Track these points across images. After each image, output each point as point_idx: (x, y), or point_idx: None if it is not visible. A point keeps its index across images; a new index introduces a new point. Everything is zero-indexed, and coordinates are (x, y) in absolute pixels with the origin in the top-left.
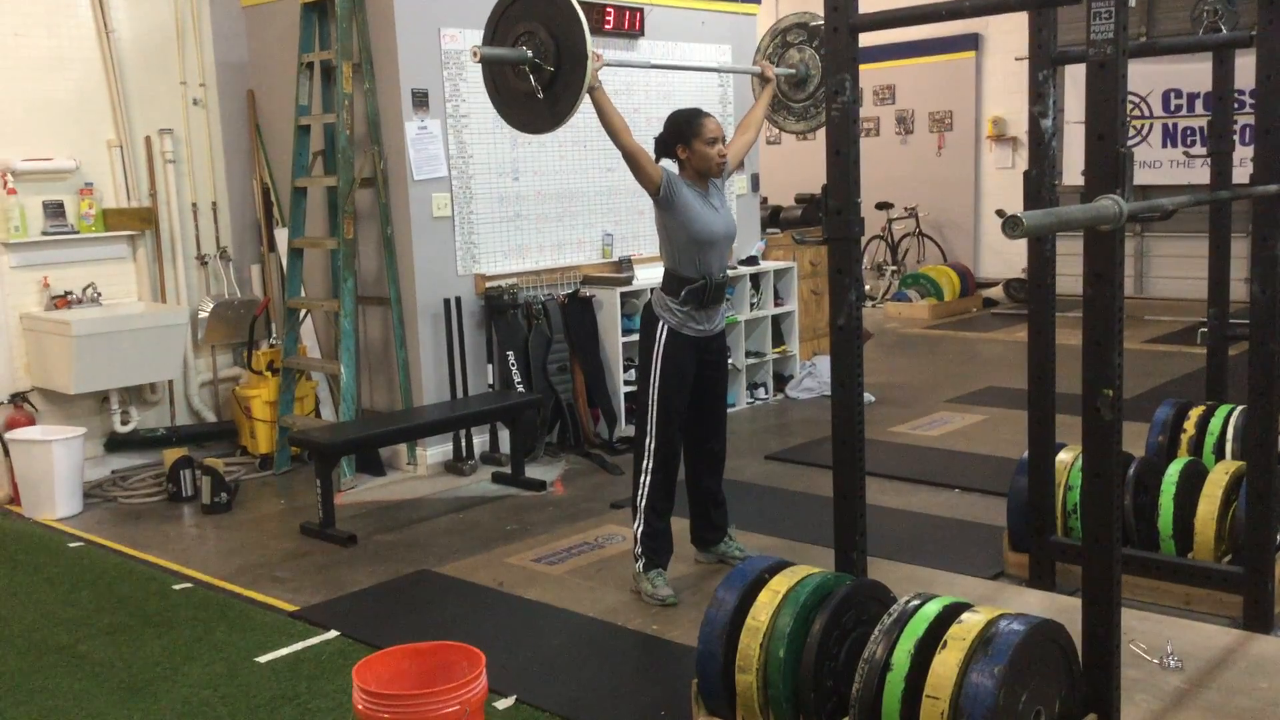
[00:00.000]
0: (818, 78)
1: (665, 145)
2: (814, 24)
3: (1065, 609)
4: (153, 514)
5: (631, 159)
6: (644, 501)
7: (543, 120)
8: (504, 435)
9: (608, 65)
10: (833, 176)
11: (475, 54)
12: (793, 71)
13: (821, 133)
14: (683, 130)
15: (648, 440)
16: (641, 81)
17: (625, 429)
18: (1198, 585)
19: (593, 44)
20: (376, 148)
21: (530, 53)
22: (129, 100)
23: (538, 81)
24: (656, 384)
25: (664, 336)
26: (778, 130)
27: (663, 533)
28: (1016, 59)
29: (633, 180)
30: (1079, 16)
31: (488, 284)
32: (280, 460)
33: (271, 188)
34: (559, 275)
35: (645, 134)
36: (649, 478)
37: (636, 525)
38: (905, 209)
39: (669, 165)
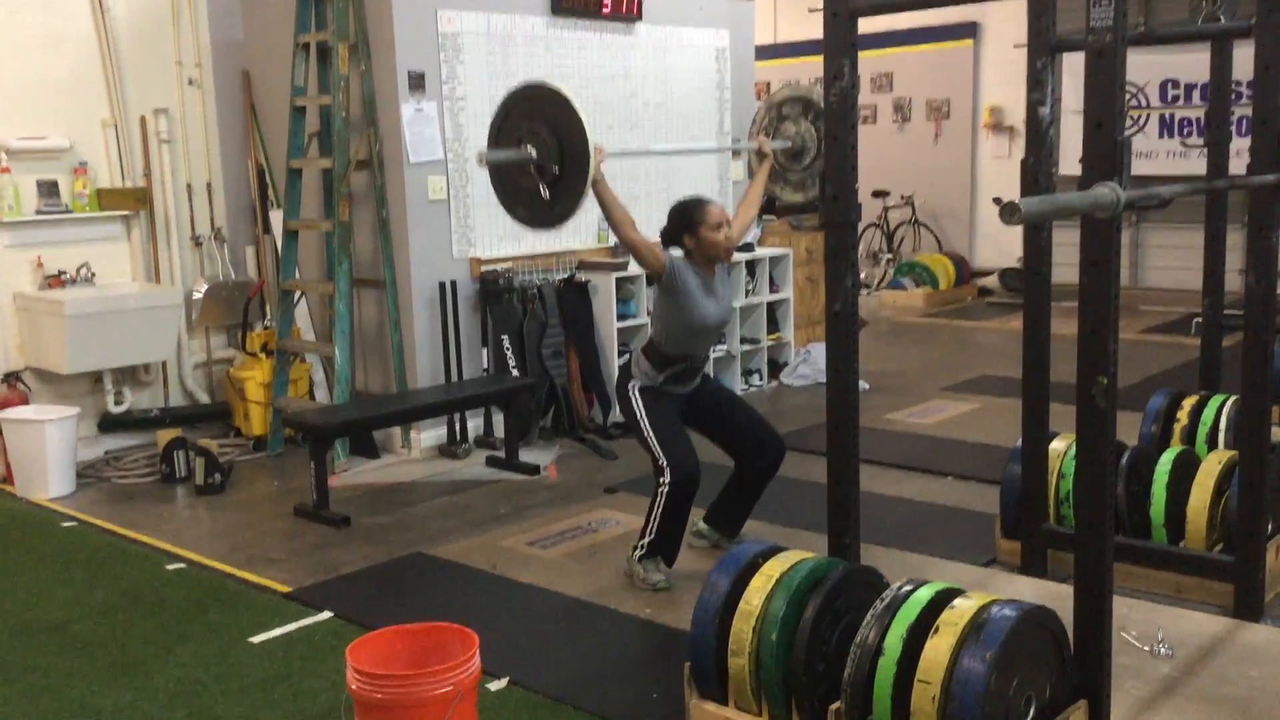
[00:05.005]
0: (814, 150)
1: (671, 236)
2: (808, 97)
3: (1057, 596)
4: (146, 494)
5: (634, 250)
6: (657, 520)
7: (546, 219)
8: (498, 419)
9: (610, 156)
10: (830, 162)
11: (480, 159)
12: (789, 144)
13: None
14: (687, 219)
15: (663, 473)
16: (639, 68)
17: (619, 414)
18: (1189, 574)
19: (594, 137)
20: (372, 130)
21: (534, 152)
22: (124, 79)
23: (542, 180)
24: (647, 423)
25: (639, 393)
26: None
27: (674, 540)
28: (1015, 47)
29: (630, 165)
30: (1078, 4)
31: (483, 268)
32: (274, 442)
33: (266, 169)
34: (554, 260)
35: (641, 124)
36: (666, 500)
37: (648, 535)
38: (901, 197)
39: (673, 251)
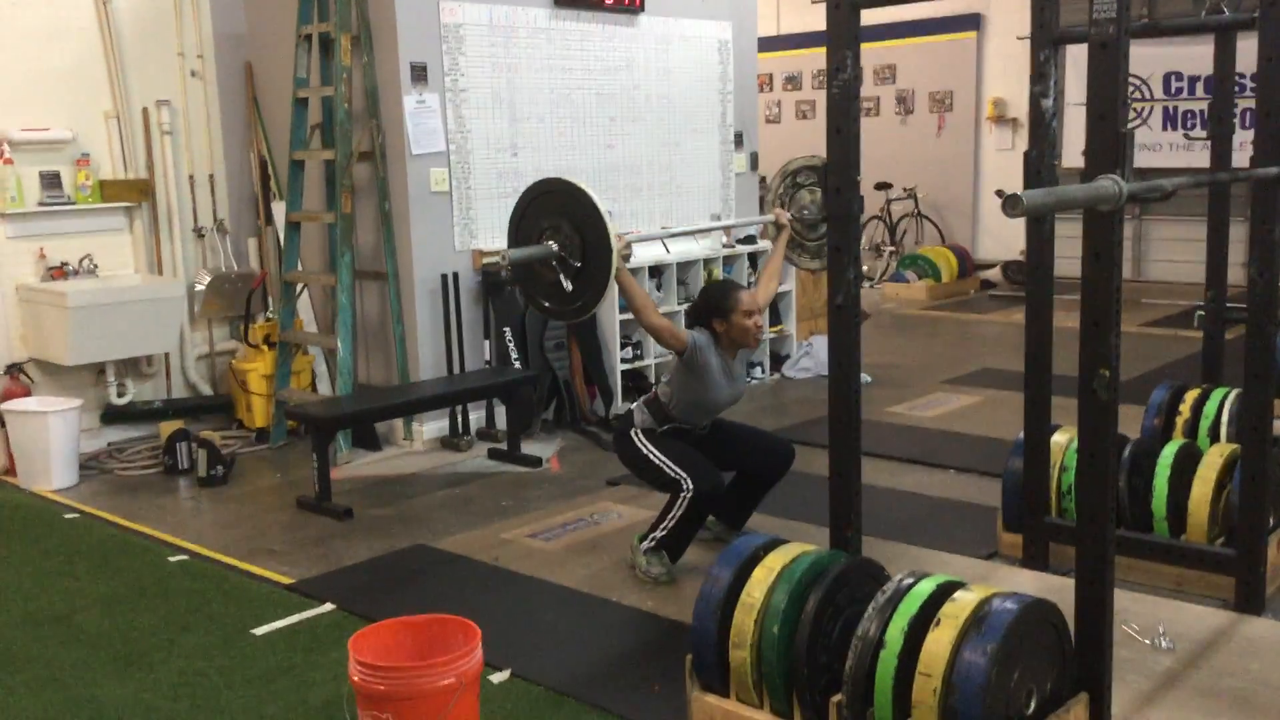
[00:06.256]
0: None
1: (700, 317)
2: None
3: (1058, 589)
4: (148, 486)
5: (656, 333)
6: (672, 524)
7: (568, 311)
8: (500, 411)
9: (633, 242)
10: (833, 155)
11: (503, 258)
12: (805, 214)
13: (822, 112)
14: (718, 305)
15: (683, 485)
16: (641, 60)
17: (621, 406)
18: (1190, 567)
19: (615, 228)
20: (375, 121)
21: (556, 246)
22: (126, 71)
23: (564, 274)
24: (658, 454)
25: (642, 434)
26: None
27: (684, 542)
28: (1018, 39)
29: (632, 158)
30: None
31: (485, 259)
32: (276, 434)
33: (269, 160)
34: None
35: (644, 116)
36: (685, 509)
37: (659, 531)
38: (904, 189)
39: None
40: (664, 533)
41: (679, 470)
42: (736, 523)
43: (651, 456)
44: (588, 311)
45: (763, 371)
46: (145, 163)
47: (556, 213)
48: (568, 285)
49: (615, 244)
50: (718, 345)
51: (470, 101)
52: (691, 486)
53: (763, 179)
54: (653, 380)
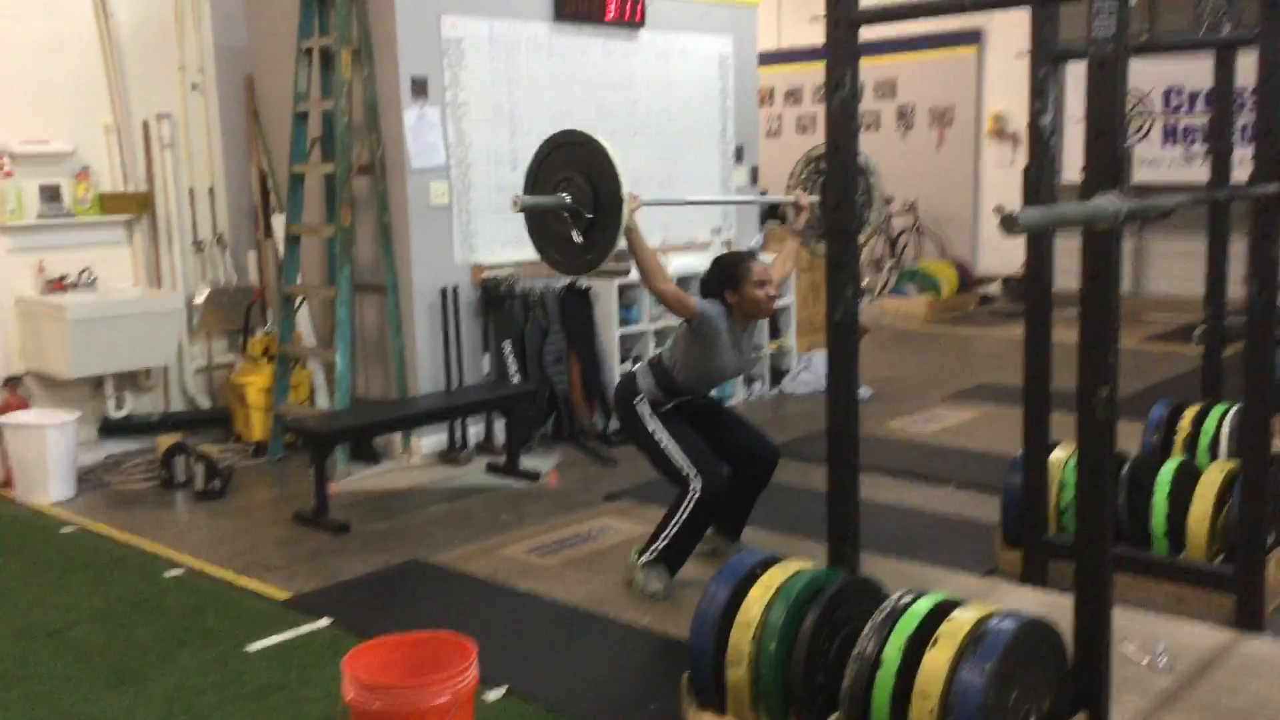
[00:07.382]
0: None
1: (712, 289)
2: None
3: (1057, 607)
4: (146, 500)
5: (664, 299)
6: (675, 530)
7: (577, 264)
8: (499, 425)
9: (646, 205)
10: (831, 171)
11: (516, 203)
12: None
13: (822, 126)
14: (730, 275)
15: (691, 484)
16: (641, 75)
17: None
18: (1190, 585)
19: (629, 186)
20: (375, 135)
21: (569, 198)
22: (127, 84)
23: (575, 227)
24: (669, 439)
25: (650, 408)
26: (799, 217)
27: (686, 553)
28: (1018, 55)
29: (633, 172)
30: (1081, 13)
31: (485, 273)
32: (274, 448)
33: (269, 174)
34: None
35: (644, 130)
36: (692, 511)
37: (660, 542)
38: (904, 204)
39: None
40: (665, 542)
41: (688, 464)
42: (732, 533)
43: (658, 439)
44: (595, 265)
45: (762, 386)
46: (145, 176)
47: (573, 165)
48: (577, 237)
49: (628, 203)
50: (730, 316)
51: (470, 115)
52: (700, 487)
53: (764, 192)
54: None
